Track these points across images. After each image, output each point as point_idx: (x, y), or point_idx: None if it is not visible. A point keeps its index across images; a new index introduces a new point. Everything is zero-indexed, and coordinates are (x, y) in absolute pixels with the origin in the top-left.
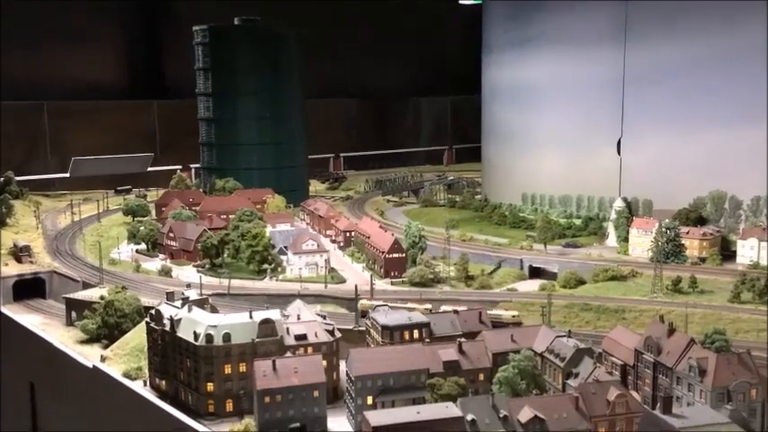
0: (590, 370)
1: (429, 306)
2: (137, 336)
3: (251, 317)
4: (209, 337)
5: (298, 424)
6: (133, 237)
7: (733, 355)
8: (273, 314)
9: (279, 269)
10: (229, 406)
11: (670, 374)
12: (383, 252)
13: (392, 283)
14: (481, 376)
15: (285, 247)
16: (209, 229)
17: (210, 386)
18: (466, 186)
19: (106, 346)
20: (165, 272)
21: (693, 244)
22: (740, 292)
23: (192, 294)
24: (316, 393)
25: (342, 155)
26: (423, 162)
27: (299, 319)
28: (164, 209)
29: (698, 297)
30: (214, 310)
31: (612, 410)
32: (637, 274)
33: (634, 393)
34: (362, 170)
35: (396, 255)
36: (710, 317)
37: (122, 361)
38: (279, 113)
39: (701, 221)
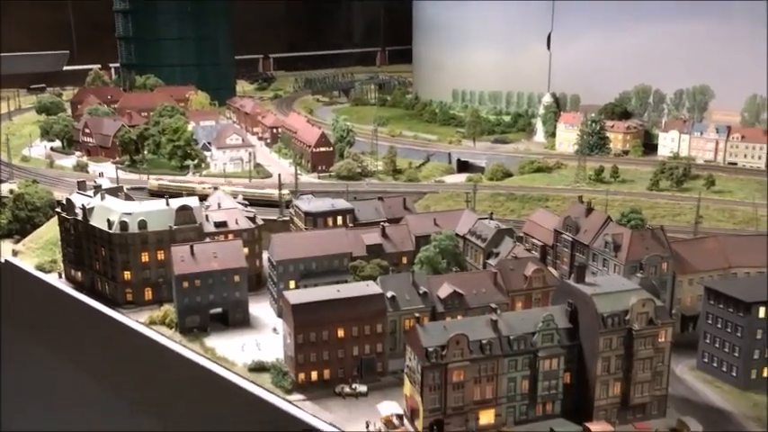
0: (510, 249)
1: (286, 192)
2: (50, 229)
3: (167, 204)
4: (123, 225)
5: (219, 309)
6: (46, 133)
7: (647, 231)
8: (191, 201)
9: (202, 165)
10: (148, 294)
11: (587, 251)
12: (310, 146)
13: (319, 177)
14: (404, 259)
15: (209, 143)
16: (129, 126)
17: (127, 275)
18: (397, 85)
19: (18, 242)
20: (81, 167)
21: (617, 137)
22: (659, 180)
23: (106, 183)
24: (236, 278)
25: (271, 55)
26: (355, 63)
27: (219, 207)
28: (79, 106)
29: (619, 186)
30: (129, 198)
31: (529, 285)
32: (562, 165)
33: (552, 271)
34: (293, 71)
35: (323, 149)
36: (630, 203)
37: (36, 255)
38: (200, 7)
39: (625, 115)
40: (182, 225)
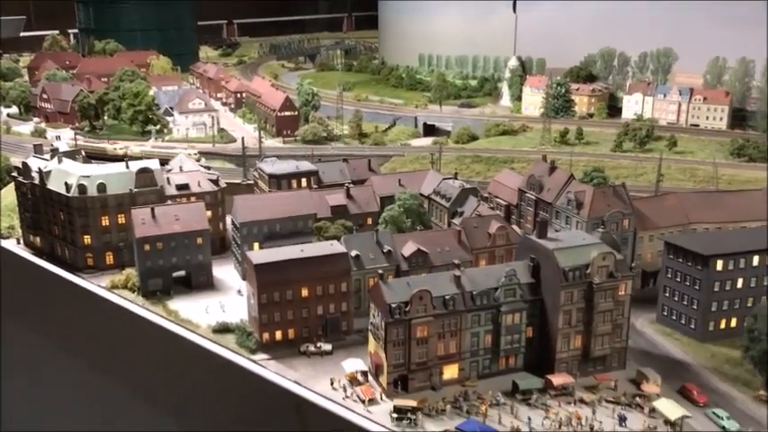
0: (474, 207)
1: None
2: (7, 195)
3: (127, 167)
4: (81, 188)
5: (182, 272)
6: (3, 99)
7: (608, 188)
8: (152, 164)
9: (165, 130)
10: (109, 259)
11: (550, 209)
12: (274, 110)
13: (284, 142)
14: (369, 220)
15: (171, 108)
16: (89, 91)
17: (87, 239)
18: (364, 51)
19: None
20: (39, 133)
21: (582, 100)
22: (622, 141)
23: (63, 146)
24: (199, 240)
25: (236, 21)
26: (321, 29)
27: (181, 170)
28: (37, 72)
29: (584, 147)
30: (87, 161)
31: (493, 242)
32: (527, 128)
33: (517, 229)
34: (257, 37)
35: (287, 113)
36: (594, 164)
37: None
38: None
39: (590, 78)
40: (142, 188)
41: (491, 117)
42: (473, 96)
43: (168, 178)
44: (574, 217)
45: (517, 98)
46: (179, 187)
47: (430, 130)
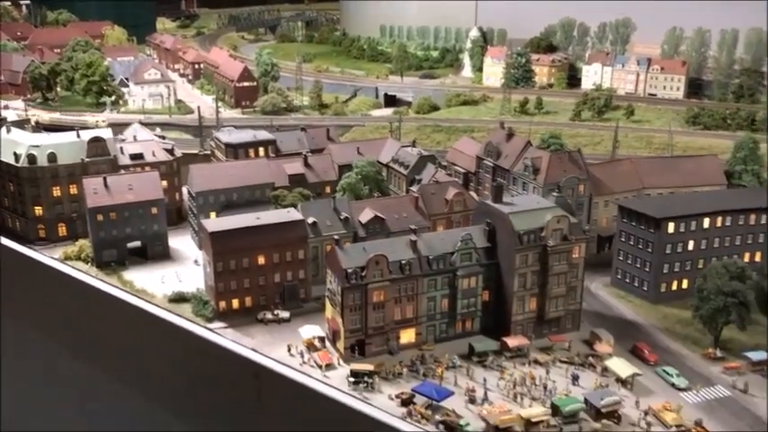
0: (432, 174)
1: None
2: None
3: (78, 136)
4: (31, 158)
5: (138, 243)
6: None
7: (564, 154)
8: (104, 133)
9: (120, 101)
10: (62, 230)
11: (507, 176)
12: (233, 81)
13: (243, 113)
14: (327, 188)
15: (126, 79)
16: (41, 62)
17: (39, 210)
18: (325, 22)
19: None
20: None
21: (543, 70)
22: (581, 110)
23: (11, 116)
24: (153, 210)
25: None
26: (282, 0)
27: (135, 139)
28: None
29: (543, 117)
30: (37, 130)
31: (450, 208)
32: (488, 99)
33: (475, 196)
34: (217, 9)
35: (246, 83)
36: (553, 133)
37: None
38: None
39: (551, 49)
40: (94, 157)
41: (452, 87)
42: (435, 67)
43: (122, 148)
44: (530, 183)
45: (478, 69)
46: (133, 157)
47: (391, 101)
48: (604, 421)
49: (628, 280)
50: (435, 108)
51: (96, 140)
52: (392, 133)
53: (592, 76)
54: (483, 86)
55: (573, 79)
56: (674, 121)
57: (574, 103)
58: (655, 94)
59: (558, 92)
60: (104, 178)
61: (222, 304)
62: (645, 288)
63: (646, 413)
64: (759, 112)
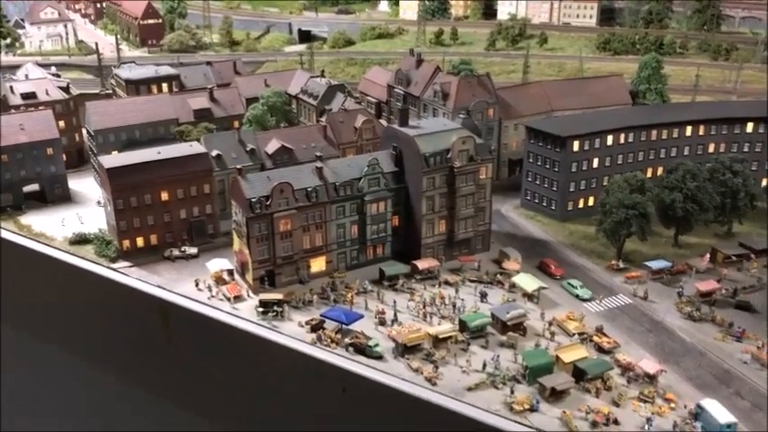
0: (340, 103)
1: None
2: None
3: None
4: None
5: (36, 186)
6: None
7: (473, 78)
8: None
9: (16, 44)
10: None
11: (418, 103)
12: (137, 18)
13: (149, 52)
14: (235, 123)
15: (22, 20)
16: None
17: None
18: None
19: None
20: None
21: (458, 3)
22: (495, 40)
23: None
24: (49, 151)
25: None
26: None
27: (27, 78)
28: None
29: (458, 47)
30: None
31: (360, 136)
32: (404, 31)
33: (385, 124)
34: None
35: (151, 21)
36: (463, 59)
37: None
38: None
39: None
40: None
41: (367, 21)
42: (350, 2)
43: (11, 87)
44: (440, 108)
45: (395, 3)
46: (24, 96)
47: (306, 37)
48: (510, 333)
49: (536, 200)
50: (351, 42)
51: None
52: (302, 66)
53: (507, 6)
54: (398, 19)
55: (489, 10)
56: (586, 47)
57: (487, 32)
58: (569, 23)
59: (474, 22)
60: None
61: (126, 243)
62: (553, 207)
63: (550, 324)
64: (666, 36)
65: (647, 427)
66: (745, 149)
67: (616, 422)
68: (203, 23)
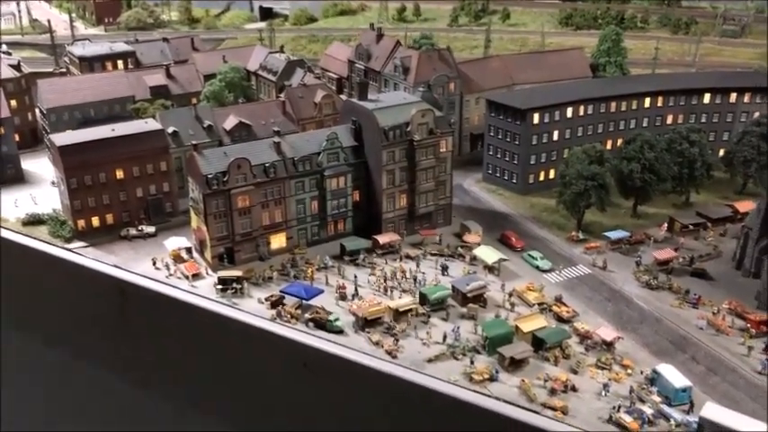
0: (300, 78)
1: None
2: None
3: None
4: None
5: None
6: None
7: (434, 52)
8: None
9: None
10: None
11: (379, 78)
12: None
13: (106, 30)
14: (193, 100)
15: None
16: None
17: None
18: None
19: None
20: None
21: None
22: (458, 15)
23: None
24: (1, 130)
25: None
26: None
27: None
28: None
29: (421, 23)
30: None
31: (319, 111)
32: (366, 8)
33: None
34: None
35: None
36: (424, 34)
37: None
38: None
39: None
40: None
41: None
42: None
43: None
44: (401, 83)
45: None
46: None
47: (267, 14)
48: (471, 305)
49: (498, 174)
50: (313, 20)
51: None
52: (262, 42)
53: None
54: None
55: None
56: (548, 23)
57: (450, 8)
58: None
59: None
60: None
61: (81, 223)
62: (514, 180)
63: (510, 295)
64: (628, 11)
65: (603, 393)
66: (703, 120)
67: (574, 389)
68: (161, 0)
